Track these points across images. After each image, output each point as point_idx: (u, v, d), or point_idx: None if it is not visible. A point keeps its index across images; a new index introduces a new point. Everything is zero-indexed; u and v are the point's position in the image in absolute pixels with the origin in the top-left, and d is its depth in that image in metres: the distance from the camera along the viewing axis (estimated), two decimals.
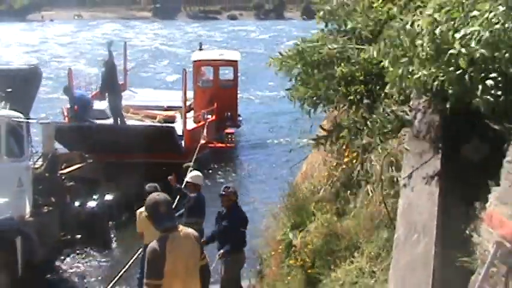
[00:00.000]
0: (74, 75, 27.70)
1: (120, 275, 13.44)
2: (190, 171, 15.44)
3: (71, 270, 17.61)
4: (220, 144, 29.24)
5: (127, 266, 13.58)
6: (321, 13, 10.53)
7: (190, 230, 7.86)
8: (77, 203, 18.68)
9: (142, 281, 8.20)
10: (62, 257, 17.76)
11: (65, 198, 17.96)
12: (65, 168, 19.10)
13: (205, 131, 26.28)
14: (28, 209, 15.70)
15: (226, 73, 33.69)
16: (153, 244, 7.50)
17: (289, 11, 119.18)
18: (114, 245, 19.87)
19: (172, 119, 26.60)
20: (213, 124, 28.67)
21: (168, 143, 23.41)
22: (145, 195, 8.87)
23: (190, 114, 26.96)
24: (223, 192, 13.04)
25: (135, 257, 13.52)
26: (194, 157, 19.31)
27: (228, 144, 30.08)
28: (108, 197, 20.46)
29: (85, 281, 17.02)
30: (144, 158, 21.89)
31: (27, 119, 16.63)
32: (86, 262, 18.21)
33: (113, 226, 20.29)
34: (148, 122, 26.19)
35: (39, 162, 17.24)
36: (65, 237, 17.69)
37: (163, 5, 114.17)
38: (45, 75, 24.96)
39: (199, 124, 26.97)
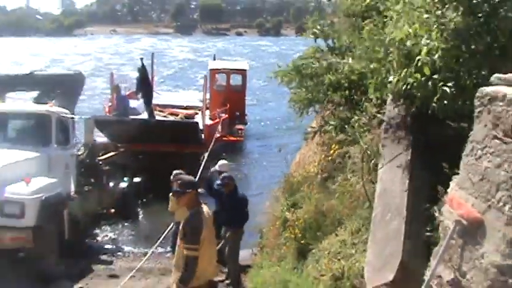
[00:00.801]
0: (115, 78, 27.94)
1: (154, 247, 13.48)
2: (202, 159, 15.43)
3: (106, 237, 17.70)
4: (232, 138, 29.37)
5: (161, 238, 13.61)
6: (313, 31, 10.61)
7: (206, 207, 7.96)
8: (111, 184, 18.74)
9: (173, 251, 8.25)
10: (99, 227, 17.85)
11: (102, 179, 18.01)
12: (102, 155, 19.18)
13: (219, 126, 26.35)
14: (73, 188, 15.82)
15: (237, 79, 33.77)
16: (195, 216, 7.61)
17: (285, 29, 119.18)
18: (140, 217, 19.96)
19: (191, 116, 26.50)
20: (226, 121, 28.82)
21: (192, 135, 23.42)
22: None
23: (206, 112, 26.98)
24: (223, 183, 12.93)
25: (167, 231, 13.50)
26: (210, 148, 19.32)
27: (238, 138, 30.29)
28: (136, 179, 20.52)
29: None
30: (172, 148, 21.82)
31: (72, 115, 16.68)
32: (118, 231, 18.31)
33: (140, 203, 20.38)
34: (172, 118, 26.07)
35: (82, 150, 17.29)
36: (102, 211, 17.78)
37: (182, 22, 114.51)
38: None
39: (215, 121, 26.95)
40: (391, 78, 6.66)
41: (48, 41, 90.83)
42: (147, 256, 13.34)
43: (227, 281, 12.91)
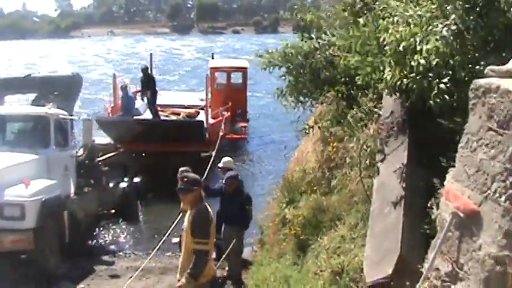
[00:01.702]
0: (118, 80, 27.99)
1: (162, 240, 13.47)
2: (210, 158, 15.41)
3: (107, 238, 17.71)
4: (235, 136, 29.36)
5: (164, 237, 13.62)
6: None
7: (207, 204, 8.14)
8: (111, 184, 18.75)
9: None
10: (100, 227, 17.85)
11: (101, 180, 18.00)
12: (101, 156, 19.18)
13: (222, 125, 26.40)
14: (72, 189, 15.80)
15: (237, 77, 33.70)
16: (202, 211, 7.71)
17: (282, 27, 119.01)
18: (140, 218, 19.96)
19: (193, 115, 26.52)
20: (229, 119, 28.74)
21: (197, 134, 23.44)
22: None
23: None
24: (226, 182, 12.91)
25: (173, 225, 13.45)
26: (216, 147, 19.32)
27: (242, 136, 30.30)
28: (136, 179, 20.53)
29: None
30: (177, 148, 21.81)
31: (71, 116, 16.68)
32: (118, 231, 18.31)
33: (141, 203, 20.37)
34: (174, 118, 26.10)
35: (81, 151, 17.28)
36: (102, 212, 17.77)
37: (179, 22, 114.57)
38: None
39: (218, 119, 26.91)
40: (386, 74, 6.67)
41: (55, 42, 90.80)
42: (151, 254, 13.32)
43: (229, 279, 12.94)
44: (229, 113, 29.09)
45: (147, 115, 25.61)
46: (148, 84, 25.22)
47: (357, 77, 7.45)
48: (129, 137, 22.40)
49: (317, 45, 10.21)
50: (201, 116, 26.06)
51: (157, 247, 13.03)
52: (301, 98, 10.35)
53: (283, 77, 10.32)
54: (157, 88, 26.04)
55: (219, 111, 27.97)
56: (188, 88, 42.79)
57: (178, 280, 7.93)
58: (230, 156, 14.75)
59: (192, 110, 27.28)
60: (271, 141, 32.16)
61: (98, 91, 43.72)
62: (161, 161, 20.22)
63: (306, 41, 10.33)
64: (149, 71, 26.82)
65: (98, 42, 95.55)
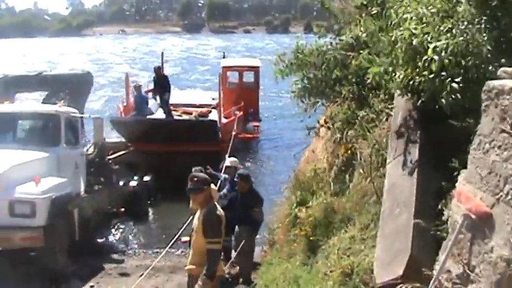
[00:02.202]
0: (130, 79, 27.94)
1: (174, 240, 13.50)
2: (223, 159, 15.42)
3: (116, 236, 17.77)
4: (248, 135, 29.41)
5: (176, 236, 13.64)
6: (322, 29, 10.64)
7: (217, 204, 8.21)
8: (121, 183, 18.80)
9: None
10: (109, 225, 17.90)
11: (111, 178, 18.08)
12: (112, 154, 19.24)
13: (235, 124, 26.41)
14: (83, 187, 15.86)
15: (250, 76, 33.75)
16: (212, 211, 7.74)
17: (293, 27, 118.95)
18: (150, 217, 20.01)
19: (205, 114, 26.42)
20: (241, 118, 28.68)
21: (210, 134, 23.46)
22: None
23: (216, 110, 26.97)
24: (241, 177, 13.02)
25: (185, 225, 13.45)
26: (230, 147, 19.31)
27: (254, 135, 30.35)
28: (146, 178, 20.57)
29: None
30: (190, 147, 21.76)
31: (81, 113, 16.73)
32: (128, 229, 18.38)
33: (151, 202, 20.41)
34: (187, 117, 25.97)
35: (91, 150, 17.34)
36: (112, 210, 17.82)
37: (190, 21, 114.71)
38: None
39: (231, 119, 26.91)
40: (398, 73, 6.66)
41: (67, 40, 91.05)
42: (162, 253, 13.34)
43: (239, 278, 12.96)
44: (241, 113, 29.03)
45: (159, 114, 25.58)
46: (161, 83, 25.20)
47: (367, 76, 7.45)
48: (142, 136, 22.43)
49: (330, 43, 10.27)
50: (214, 116, 26.03)
51: (169, 246, 13.07)
52: (312, 99, 10.36)
53: (297, 84, 10.33)
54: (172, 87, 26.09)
55: (231, 111, 27.95)
56: (205, 87, 42.81)
57: (189, 275, 7.99)
58: (235, 156, 14.82)
59: (204, 109, 27.25)
60: (282, 140, 32.18)
61: (116, 89, 43.70)
62: (173, 161, 20.22)
63: (319, 37, 10.38)
64: (161, 70, 26.80)
65: (115, 40, 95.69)
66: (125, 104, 27.04)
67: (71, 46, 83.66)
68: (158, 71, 26.01)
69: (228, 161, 14.49)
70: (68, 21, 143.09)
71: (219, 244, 7.82)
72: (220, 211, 8.03)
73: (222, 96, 26.82)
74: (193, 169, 12.79)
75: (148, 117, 24.65)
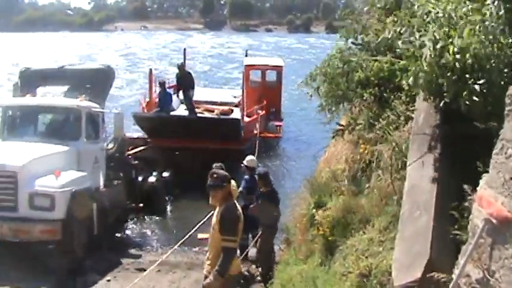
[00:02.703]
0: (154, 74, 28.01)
1: (188, 235, 13.55)
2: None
3: (134, 231, 17.85)
4: (270, 134, 29.33)
5: (191, 232, 13.71)
6: (343, 31, 10.65)
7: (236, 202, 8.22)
8: (140, 178, 18.87)
9: None
10: (128, 220, 17.97)
11: (131, 173, 18.17)
12: (131, 149, 19.31)
13: (258, 123, 26.36)
14: (102, 182, 15.94)
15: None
16: (231, 208, 7.77)
17: (315, 26, 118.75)
18: (168, 212, 20.07)
19: (227, 112, 26.36)
20: (263, 118, 28.61)
21: (233, 132, 23.51)
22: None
23: (238, 109, 26.92)
24: (260, 175, 13.12)
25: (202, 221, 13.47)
26: (257, 146, 19.21)
27: (277, 135, 30.33)
28: (165, 174, 20.61)
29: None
30: (212, 145, 21.82)
31: (102, 108, 16.81)
32: (146, 225, 18.48)
33: (168, 198, 20.47)
34: (209, 115, 25.91)
35: (111, 145, 17.41)
36: (130, 205, 17.89)
37: (212, 18, 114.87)
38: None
39: (254, 117, 26.92)
40: (420, 75, 6.64)
41: (94, 35, 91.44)
42: (172, 249, 13.40)
43: (258, 277, 13.01)
44: (264, 112, 28.94)
45: (180, 111, 25.58)
46: (184, 80, 25.16)
47: (396, 87, 7.45)
48: (164, 133, 22.49)
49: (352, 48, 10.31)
50: (236, 114, 26.00)
51: (180, 242, 13.14)
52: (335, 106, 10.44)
53: (318, 89, 10.43)
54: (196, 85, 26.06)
55: (254, 110, 27.91)
56: (233, 85, 42.81)
57: (206, 276, 7.99)
58: (252, 155, 14.85)
59: (226, 107, 27.24)
60: (303, 140, 32.00)
61: (144, 85, 43.73)
62: (195, 158, 20.23)
63: (345, 39, 10.44)
64: (184, 67, 26.72)
65: (140, 36, 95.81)
66: (147, 99, 27.08)
67: (98, 41, 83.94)
68: (181, 67, 25.94)
69: (246, 160, 14.51)
70: (90, 16, 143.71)
71: (235, 243, 7.82)
72: (239, 209, 8.04)
73: (244, 94, 26.81)
74: (213, 165, 12.87)
75: (171, 113, 24.66)
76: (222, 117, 25.41)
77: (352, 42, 10.66)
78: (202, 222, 13.36)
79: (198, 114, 25.26)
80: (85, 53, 64.23)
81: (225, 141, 22.21)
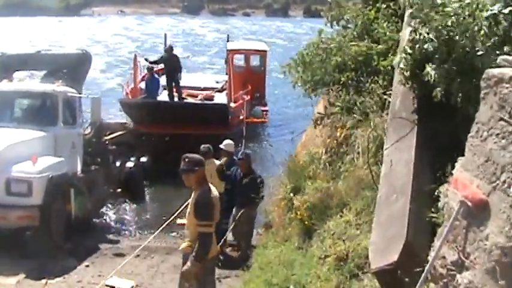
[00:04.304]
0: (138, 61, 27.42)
1: (169, 220, 13.52)
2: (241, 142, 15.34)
3: (113, 217, 17.78)
4: (256, 120, 29.20)
5: (171, 219, 13.68)
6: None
7: (212, 186, 8.16)
8: (117, 163, 18.77)
9: None
10: (105, 206, 17.91)
11: (108, 159, 18.06)
12: (109, 135, 19.19)
13: (243, 109, 26.21)
14: (79, 167, 15.82)
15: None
16: (205, 193, 7.74)
17: (293, 10, 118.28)
18: (146, 198, 20.03)
19: (210, 98, 26.10)
20: (249, 103, 28.44)
21: (221, 117, 23.37)
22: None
23: (223, 94, 26.74)
24: (242, 157, 13.12)
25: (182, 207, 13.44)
26: (244, 131, 19.06)
27: (263, 120, 30.26)
28: (143, 159, 20.52)
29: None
30: (200, 131, 21.43)
31: (79, 93, 16.67)
32: (124, 210, 18.43)
33: (146, 183, 20.41)
34: (193, 100, 25.54)
35: (89, 130, 17.29)
36: (108, 190, 17.79)
37: (189, 3, 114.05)
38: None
39: (239, 102, 26.62)
40: (397, 60, 6.66)
41: (69, 20, 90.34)
42: (154, 234, 13.37)
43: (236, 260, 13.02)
44: (249, 97, 28.72)
45: (164, 96, 25.15)
46: (172, 64, 24.50)
47: (373, 71, 7.47)
48: (153, 119, 22.33)
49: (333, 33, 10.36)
50: (221, 99, 25.79)
51: (161, 228, 13.11)
52: (312, 84, 10.43)
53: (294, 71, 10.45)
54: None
55: (239, 95, 27.66)
56: (212, 71, 42.60)
57: (183, 263, 7.98)
58: (231, 139, 14.81)
59: (209, 92, 27.02)
60: (285, 124, 31.80)
61: (121, 71, 43.29)
62: (182, 144, 20.09)
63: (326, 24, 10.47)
64: (172, 50, 25.94)
65: (115, 20, 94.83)
66: (131, 85, 26.53)
67: (73, 25, 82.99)
68: (169, 50, 25.20)
69: (223, 144, 14.43)
70: (67, 0, 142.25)
71: (210, 227, 7.77)
72: (214, 194, 7.97)
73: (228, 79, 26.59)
74: (201, 147, 12.87)
75: (157, 99, 24.49)
76: (210, 102, 25.21)
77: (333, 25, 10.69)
78: (182, 207, 13.32)
79: (187, 100, 25.05)
80: (56, 38, 63.45)
81: (214, 127, 22.03)
